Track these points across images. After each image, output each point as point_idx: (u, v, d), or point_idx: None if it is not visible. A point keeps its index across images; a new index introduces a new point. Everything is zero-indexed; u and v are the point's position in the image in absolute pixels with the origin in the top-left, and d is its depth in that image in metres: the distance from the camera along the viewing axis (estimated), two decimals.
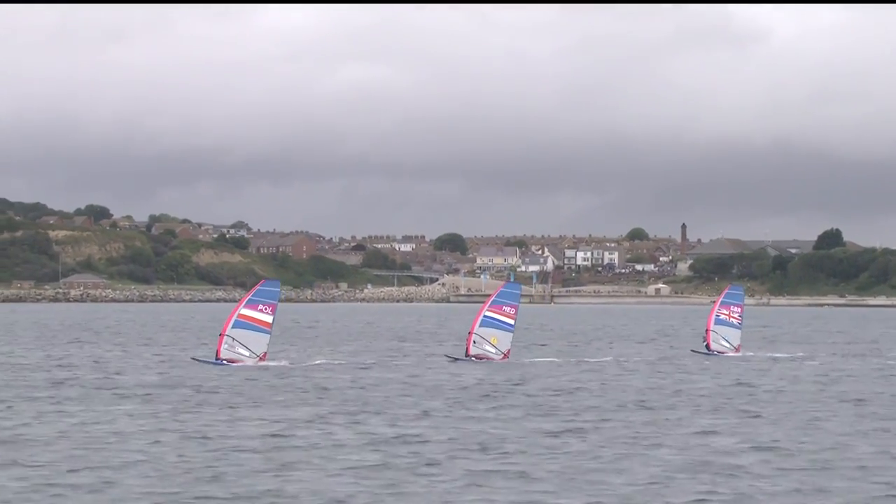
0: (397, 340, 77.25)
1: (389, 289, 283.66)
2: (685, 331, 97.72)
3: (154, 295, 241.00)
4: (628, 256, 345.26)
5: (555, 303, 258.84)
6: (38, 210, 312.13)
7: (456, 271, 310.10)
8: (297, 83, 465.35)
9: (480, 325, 53.14)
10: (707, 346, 59.81)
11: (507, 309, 53.25)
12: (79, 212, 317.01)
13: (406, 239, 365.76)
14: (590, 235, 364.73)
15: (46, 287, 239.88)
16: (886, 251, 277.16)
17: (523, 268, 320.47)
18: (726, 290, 61.75)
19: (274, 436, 28.41)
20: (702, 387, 42.73)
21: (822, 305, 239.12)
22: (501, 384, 42.61)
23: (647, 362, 56.47)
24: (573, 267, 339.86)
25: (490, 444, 27.30)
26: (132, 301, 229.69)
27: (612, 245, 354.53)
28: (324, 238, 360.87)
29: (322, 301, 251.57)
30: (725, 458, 25.49)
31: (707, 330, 59.99)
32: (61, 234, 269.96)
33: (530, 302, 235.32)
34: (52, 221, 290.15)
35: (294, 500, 21.19)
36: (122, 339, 76.76)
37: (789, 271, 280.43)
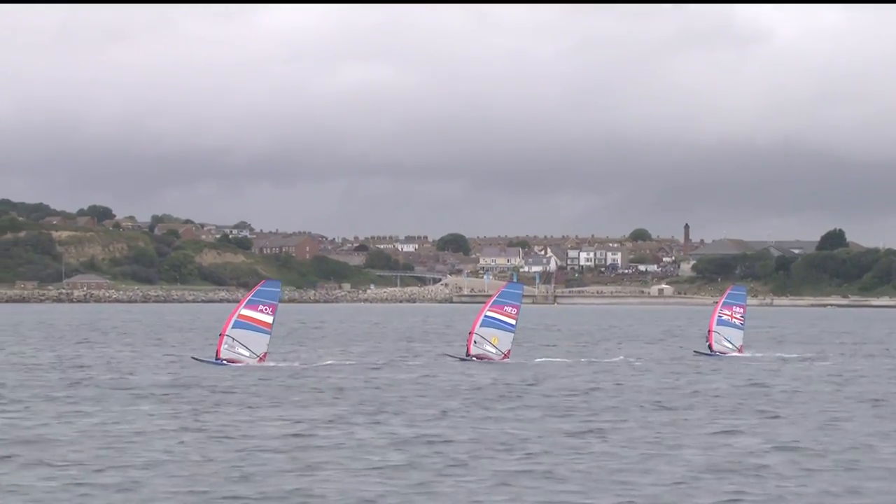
0: (405, 341, 77.27)
1: (393, 289, 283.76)
2: (692, 331, 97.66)
3: (157, 295, 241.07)
4: (631, 257, 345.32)
5: (558, 303, 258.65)
6: (41, 211, 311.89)
7: (459, 272, 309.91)
8: (299, 83, 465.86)
9: (481, 325, 53.19)
10: (709, 347, 59.80)
11: (509, 309, 53.28)
12: (81, 212, 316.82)
13: (409, 239, 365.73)
14: (592, 236, 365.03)
15: (50, 287, 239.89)
16: (889, 251, 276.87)
17: (526, 268, 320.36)
18: (728, 291, 61.73)
19: (296, 436, 28.43)
20: (716, 387, 42.75)
21: (825, 306, 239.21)
22: (516, 384, 42.66)
23: (658, 362, 56.51)
24: (576, 267, 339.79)
25: (513, 445, 27.33)
26: (135, 301, 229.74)
27: (615, 245, 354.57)
28: (326, 238, 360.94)
29: (325, 301, 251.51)
30: (750, 459, 25.50)
31: (709, 331, 59.95)
32: (64, 234, 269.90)
33: (533, 302, 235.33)
34: (55, 222, 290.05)
35: (323, 500, 21.19)
36: (131, 339, 76.78)
37: (792, 272, 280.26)
